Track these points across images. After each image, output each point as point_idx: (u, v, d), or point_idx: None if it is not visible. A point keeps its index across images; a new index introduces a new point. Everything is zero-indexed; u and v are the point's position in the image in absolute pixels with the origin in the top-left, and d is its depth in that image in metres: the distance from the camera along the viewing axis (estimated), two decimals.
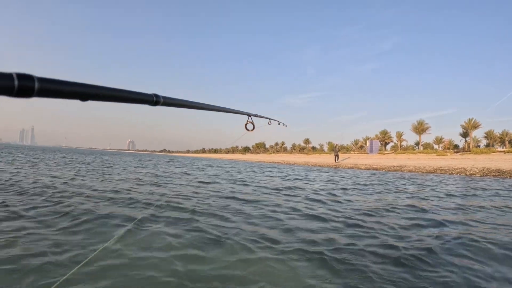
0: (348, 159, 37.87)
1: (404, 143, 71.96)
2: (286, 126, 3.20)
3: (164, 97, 0.78)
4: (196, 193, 7.27)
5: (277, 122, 2.73)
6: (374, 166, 24.91)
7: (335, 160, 32.28)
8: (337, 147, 33.71)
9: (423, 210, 5.67)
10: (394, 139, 73.36)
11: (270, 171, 18.21)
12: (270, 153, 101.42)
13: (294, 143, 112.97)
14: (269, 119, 2.49)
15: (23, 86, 0.39)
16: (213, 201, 6.20)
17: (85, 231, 3.66)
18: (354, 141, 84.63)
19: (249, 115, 1.95)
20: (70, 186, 7.71)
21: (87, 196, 6.13)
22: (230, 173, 14.95)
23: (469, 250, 3.32)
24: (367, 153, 51.32)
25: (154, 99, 0.74)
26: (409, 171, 21.02)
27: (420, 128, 66.09)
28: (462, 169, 19.58)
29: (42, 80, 0.41)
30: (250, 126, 2.01)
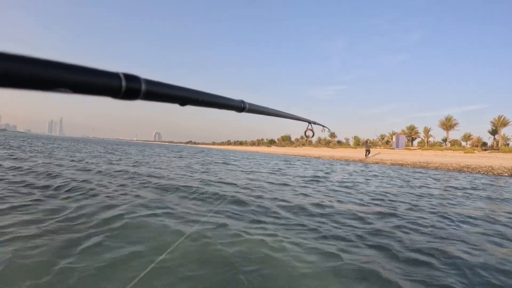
0: (379, 154, 37.26)
1: (431, 139, 70.05)
2: (330, 130, 3.29)
3: (249, 104, 0.80)
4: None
5: (327, 129, 2.76)
6: (400, 162, 24.72)
7: (365, 155, 31.13)
8: (367, 142, 32.43)
9: None
10: (421, 135, 71.50)
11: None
12: (295, 146, 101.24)
13: (319, 137, 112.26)
14: (323, 126, 2.59)
15: (130, 87, 0.37)
16: None
17: None
18: (381, 136, 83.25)
19: (309, 122, 2.00)
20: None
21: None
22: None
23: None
24: (393, 148, 50.59)
25: (242, 105, 0.76)
26: (435, 168, 20.80)
27: (447, 124, 64.13)
28: (490, 168, 19.22)
29: (148, 82, 0.40)
30: (309, 133, 2.07)
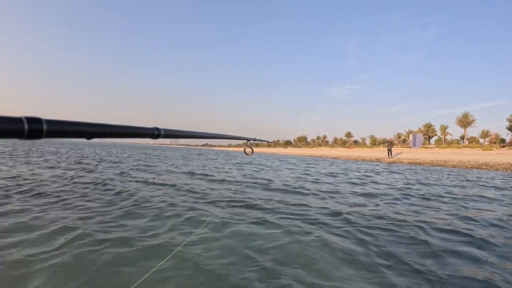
0: (401, 153, 36.54)
1: (448, 137, 68.93)
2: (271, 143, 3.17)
3: (164, 130, 0.80)
4: None
5: (268, 142, 2.71)
6: (417, 161, 24.64)
7: (388, 155, 29.87)
8: (390, 142, 31.10)
9: None
10: (438, 133, 70.51)
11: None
12: (311, 147, 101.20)
13: (335, 137, 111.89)
14: (267, 142, 2.61)
15: (32, 129, 0.40)
16: None
17: None
18: (397, 134, 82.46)
19: (247, 139, 1.91)
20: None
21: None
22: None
23: None
24: (410, 147, 50.12)
25: (156, 132, 0.76)
26: (453, 166, 20.72)
27: (465, 121, 63.04)
28: (508, 165, 19.08)
29: (49, 122, 0.43)
30: (249, 151, 2.04)
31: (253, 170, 13.13)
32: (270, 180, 9.38)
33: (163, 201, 5.36)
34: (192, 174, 10.62)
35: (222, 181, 8.87)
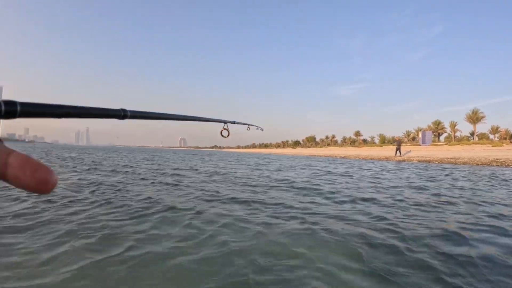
0: (411, 152, 35.34)
1: (458, 134, 68.27)
2: (262, 130, 3.03)
3: (131, 111, 0.81)
4: None
5: (256, 127, 2.71)
6: (427, 159, 24.64)
7: (396, 154, 29.64)
8: (399, 141, 31.09)
9: None
10: (448, 130, 69.85)
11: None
12: (320, 147, 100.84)
13: (344, 136, 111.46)
14: (248, 125, 2.48)
15: (8, 110, 0.45)
16: None
17: None
18: (406, 132, 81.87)
19: (225, 122, 1.87)
20: None
21: None
22: None
23: None
24: (420, 145, 49.82)
25: (122, 113, 0.78)
26: (463, 163, 20.71)
27: (474, 118, 62.33)
28: None
29: (23, 104, 0.48)
30: (225, 133, 1.96)
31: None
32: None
33: None
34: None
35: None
